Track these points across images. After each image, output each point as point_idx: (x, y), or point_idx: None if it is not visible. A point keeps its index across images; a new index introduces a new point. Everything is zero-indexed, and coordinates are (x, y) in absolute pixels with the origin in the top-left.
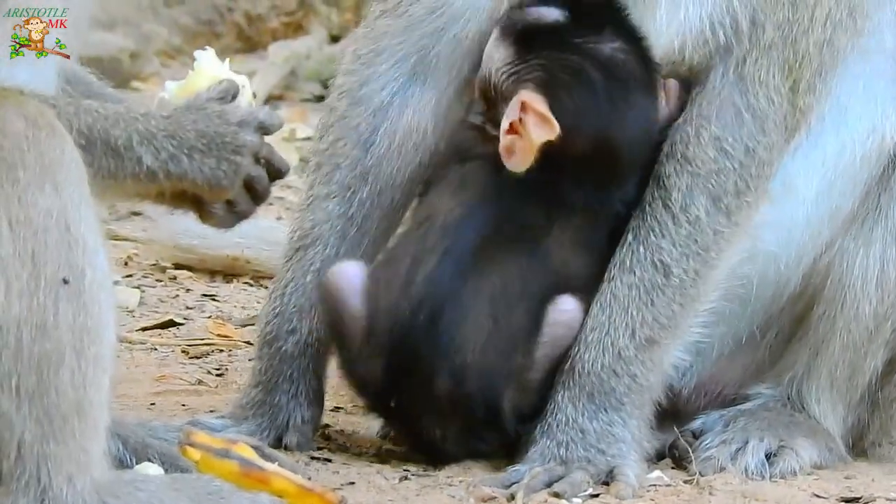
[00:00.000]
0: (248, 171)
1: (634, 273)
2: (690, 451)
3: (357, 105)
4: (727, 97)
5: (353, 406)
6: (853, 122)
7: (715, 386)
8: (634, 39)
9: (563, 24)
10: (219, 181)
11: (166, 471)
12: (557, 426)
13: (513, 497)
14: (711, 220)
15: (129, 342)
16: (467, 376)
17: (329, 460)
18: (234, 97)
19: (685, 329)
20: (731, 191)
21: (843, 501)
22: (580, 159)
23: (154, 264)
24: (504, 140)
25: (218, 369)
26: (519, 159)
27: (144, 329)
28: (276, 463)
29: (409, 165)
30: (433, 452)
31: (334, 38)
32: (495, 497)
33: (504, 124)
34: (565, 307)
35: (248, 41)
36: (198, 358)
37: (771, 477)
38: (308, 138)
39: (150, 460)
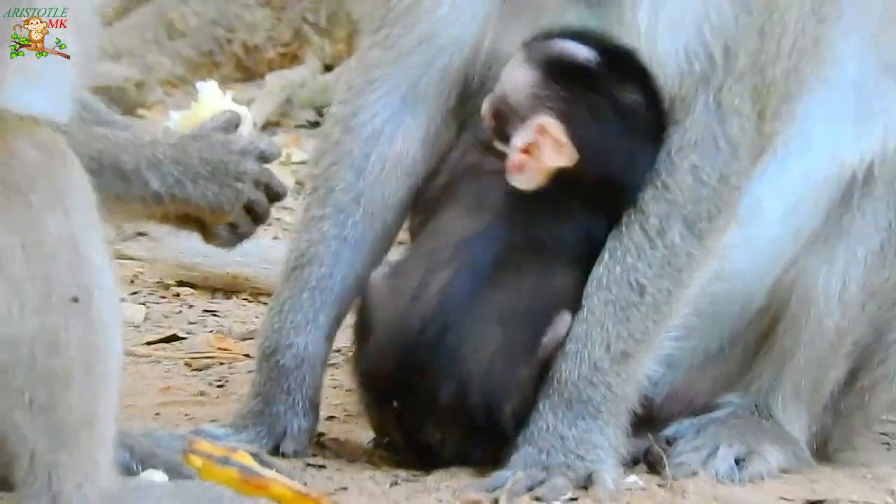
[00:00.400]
0: (249, 196)
1: (611, 291)
2: (664, 457)
3: (350, 132)
4: (707, 126)
5: (347, 415)
6: (816, 146)
7: (687, 395)
8: (654, 95)
9: (594, 65)
10: (221, 206)
11: (171, 478)
12: (538, 433)
13: (497, 501)
14: (685, 243)
15: (135, 356)
16: (473, 388)
17: (323, 467)
18: (236, 127)
19: (658, 343)
20: (705, 216)
21: None
22: (585, 188)
23: (158, 282)
24: (516, 157)
25: (219, 381)
26: (528, 179)
27: (149, 343)
28: (274, 469)
29: (400, 190)
30: (426, 454)
31: (328, 68)
32: (480, 501)
33: (517, 142)
34: (565, 322)
35: (246, 71)
36: (200, 370)
37: (740, 481)
38: (303, 162)
39: (155, 468)
